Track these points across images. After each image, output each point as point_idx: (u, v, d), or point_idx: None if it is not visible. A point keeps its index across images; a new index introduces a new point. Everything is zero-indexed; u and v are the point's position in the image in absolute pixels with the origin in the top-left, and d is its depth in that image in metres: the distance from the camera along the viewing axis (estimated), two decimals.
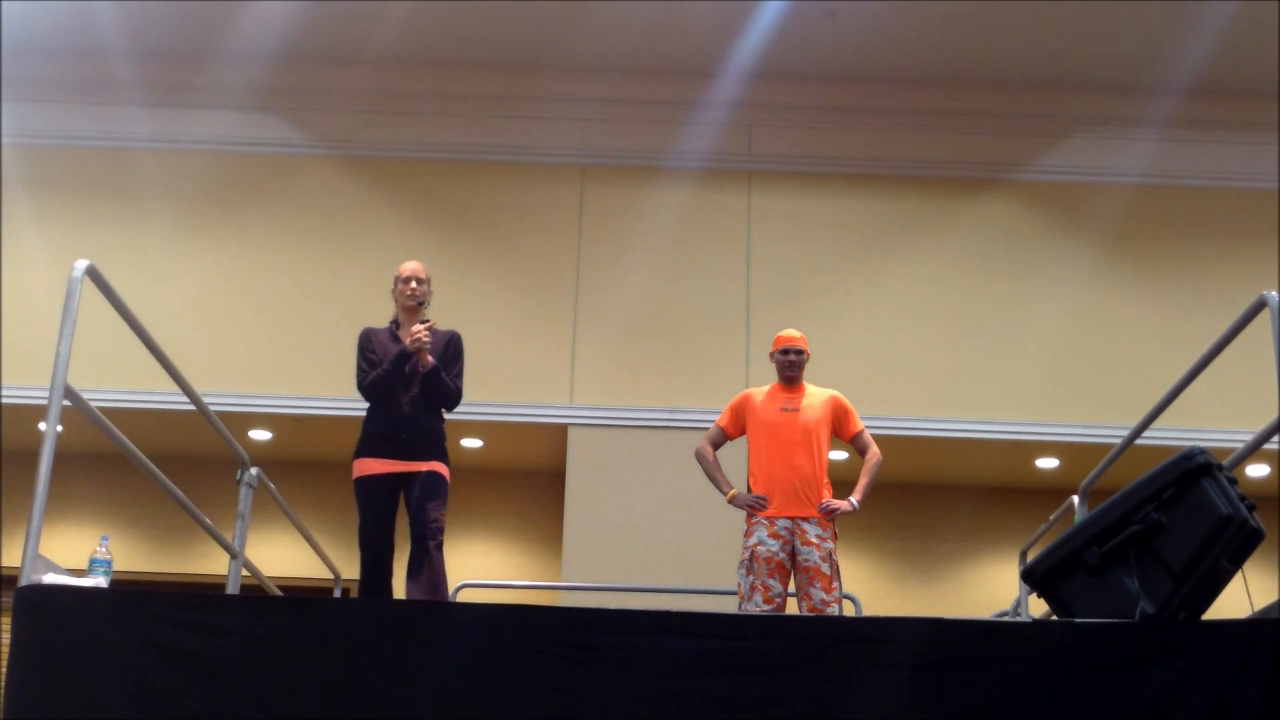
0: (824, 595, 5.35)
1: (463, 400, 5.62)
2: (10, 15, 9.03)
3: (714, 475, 5.73)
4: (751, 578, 5.43)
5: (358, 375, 5.58)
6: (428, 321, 5.52)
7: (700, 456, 5.80)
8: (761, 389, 5.83)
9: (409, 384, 5.47)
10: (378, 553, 5.42)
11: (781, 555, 5.44)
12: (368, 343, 5.63)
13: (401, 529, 5.45)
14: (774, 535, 5.46)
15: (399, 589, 5.53)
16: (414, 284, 5.62)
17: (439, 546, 5.34)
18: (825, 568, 5.41)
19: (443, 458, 5.50)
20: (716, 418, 5.90)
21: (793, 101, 9.72)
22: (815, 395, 5.75)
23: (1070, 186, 9.70)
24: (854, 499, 5.58)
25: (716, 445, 5.82)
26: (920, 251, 9.55)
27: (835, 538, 5.55)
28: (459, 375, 5.62)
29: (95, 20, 9.11)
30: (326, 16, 9.06)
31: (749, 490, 5.67)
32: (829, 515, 5.52)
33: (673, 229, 9.50)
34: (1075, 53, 9.34)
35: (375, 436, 5.45)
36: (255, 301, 9.23)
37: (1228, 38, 8.93)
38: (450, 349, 5.63)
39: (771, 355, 5.83)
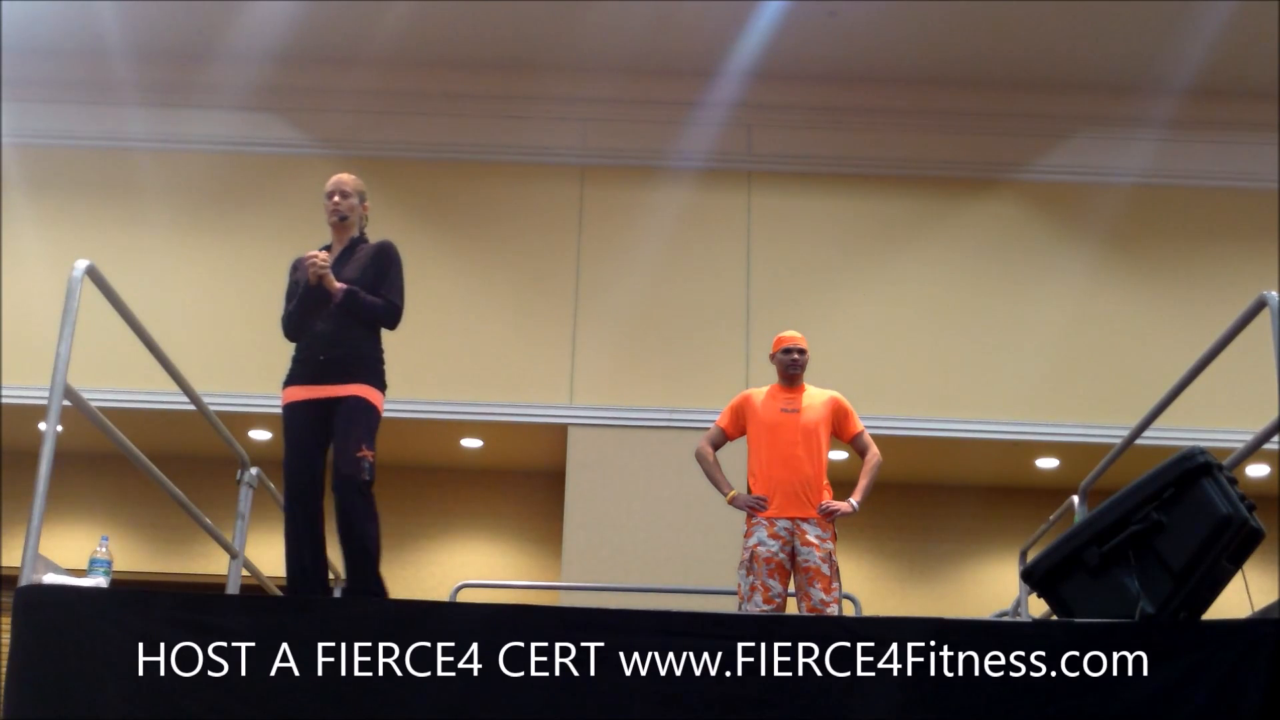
0: (824, 595, 5.35)
1: (398, 323, 5.00)
2: (10, 15, 9.03)
3: (714, 476, 5.73)
4: (751, 578, 5.43)
5: (282, 310, 5.07)
6: (346, 243, 4.93)
7: (700, 457, 5.80)
8: (762, 389, 5.83)
9: (327, 300, 4.86)
10: (295, 482, 4.75)
11: (781, 556, 5.44)
12: (294, 270, 5.07)
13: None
14: (774, 536, 5.46)
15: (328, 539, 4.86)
16: (336, 198, 4.99)
17: (366, 489, 4.65)
18: (825, 568, 5.40)
19: (372, 380, 4.84)
20: (717, 418, 5.90)
21: (793, 101, 9.72)
22: (815, 396, 5.75)
23: (1070, 186, 9.70)
24: (854, 500, 5.58)
25: (716, 446, 5.82)
26: (920, 251, 9.55)
27: (835, 538, 5.55)
28: (393, 289, 4.94)
29: (95, 20, 9.11)
30: (326, 16, 9.06)
31: (749, 491, 5.66)
32: (829, 516, 5.52)
33: (673, 229, 9.50)
34: (1075, 53, 9.34)
35: (297, 361, 4.92)
36: (255, 301, 9.21)
37: (1228, 38, 8.93)
38: (377, 262, 4.96)
39: (772, 356, 5.83)
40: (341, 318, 4.87)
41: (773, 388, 5.80)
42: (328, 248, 5.08)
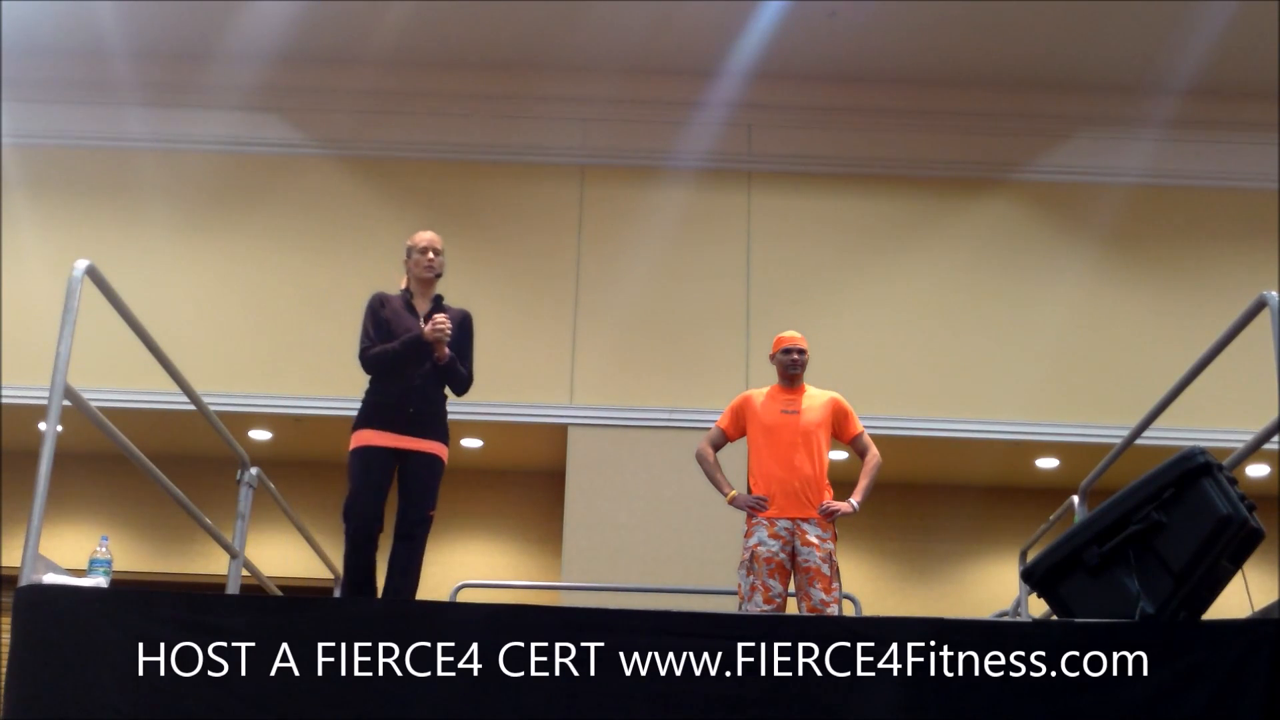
0: (824, 596, 5.35)
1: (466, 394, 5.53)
2: (10, 15, 9.03)
3: (714, 476, 5.73)
4: (752, 578, 5.43)
5: (362, 341, 5.33)
6: (443, 314, 5.33)
7: (701, 457, 5.80)
8: (762, 390, 5.83)
9: (419, 358, 5.27)
10: (366, 526, 5.12)
11: (781, 556, 5.44)
12: (380, 307, 5.39)
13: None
14: (774, 536, 5.47)
15: (380, 568, 5.27)
16: (431, 254, 5.46)
17: (424, 540, 5.20)
18: (825, 568, 5.41)
19: (444, 437, 5.31)
20: (717, 419, 5.90)
21: (793, 101, 9.71)
22: (815, 397, 5.75)
23: (1070, 186, 9.70)
24: (854, 500, 5.58)
25: (717, 446, 5.82)
26: (920, 251, 9.55)
27: (835, 538, 5.55)
28: (470, 360, 5.48)
29: (95, 20, 9.11)
30: (326, 16, 9.06)
31: (749, 491, 5.67)
32: (829, 517, 5.51)
33: (673, 229, 9.50)
34: (1075, 53, 9.34)
35: (381, 407, 5.24)
36: (255, 301, 9.23)
37: (1228, 38, 8.94)
38: (463, 331, 5.45)
39: (772, 356, 5.83)
40: (429, 373, 5.28)
41: (773, 388, 5.80)
42: (408, 293, 5.48)
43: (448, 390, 5.42)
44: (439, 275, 5.48)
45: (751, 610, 5.34)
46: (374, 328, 5.33)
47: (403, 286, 5.52)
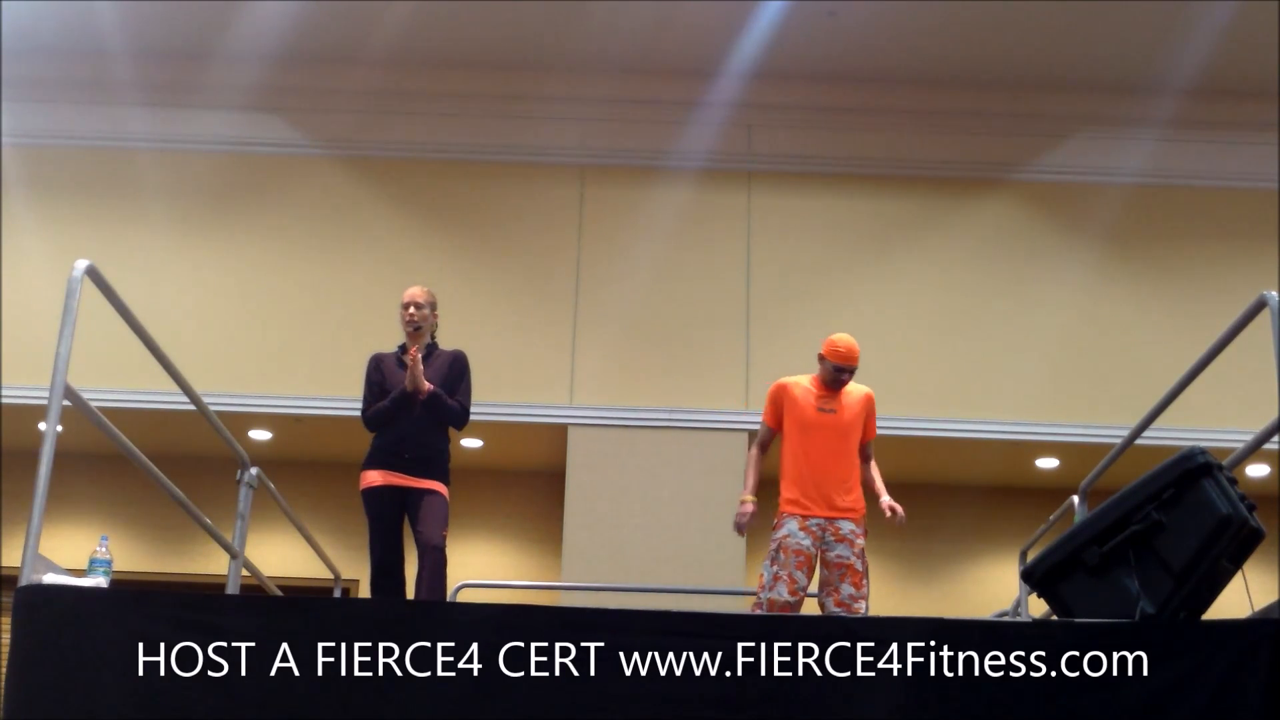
0: (854, 591, 5.37)
1: (466, 425, 5.83)
2: (10, 15, 9.03)
3: (746, 475, 5.74)
4: (776, 568, 5.39)
5: (362, 403, 5.78)
6: (423, 350, 5.71)
7: (749, 459, 5.81)
8: (798, 379, 5.78)
9: (414, 404, 5.63)
10: (385, 560, 5.63)
11: (811, 550, 5.43)
12: (375, 370, 5.82)
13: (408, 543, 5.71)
14: (805, 530, 5.45)
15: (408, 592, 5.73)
16: (411, 310, 5.82)
17: (442, 566, 5.53)
18: (859, 564, 5.43)
19: (443, 478, 5.68)
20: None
21: (793, 101, 9.71)
22: (852, 393, 5.73)
23: (1070, 186, 9.69)
24: (891, 500, 5.64)
25: (766, 446, 5.79)
26: (920, 252, 9.55)
27: (866, 534, 5.57)
28: (465, 394, 5.80)
29: (95, 20, 9.11)
30: (326, 16, 9.06)
31: (781, 485, 5.62)
32: (895, 516, 5.56)
33: (673, 229, 9.50)
34: (1075, 53, 9.34)
35: (381, 451, 5.66)
36: (255, 301, 9.22)
37: (1228, 38, 8.93)
38: (454, 370, 5.80)
39: (822, 358, 5.74)
40: (424, 419, 5.66)
41: (813, 381, 5.77)
42: (403, 347, 5.88)
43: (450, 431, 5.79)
44: (419, 328, 5.81)
45: (773, 599, 5.33)
46: (369, 390, 5.78)
47: (401, 342, 5.93)
